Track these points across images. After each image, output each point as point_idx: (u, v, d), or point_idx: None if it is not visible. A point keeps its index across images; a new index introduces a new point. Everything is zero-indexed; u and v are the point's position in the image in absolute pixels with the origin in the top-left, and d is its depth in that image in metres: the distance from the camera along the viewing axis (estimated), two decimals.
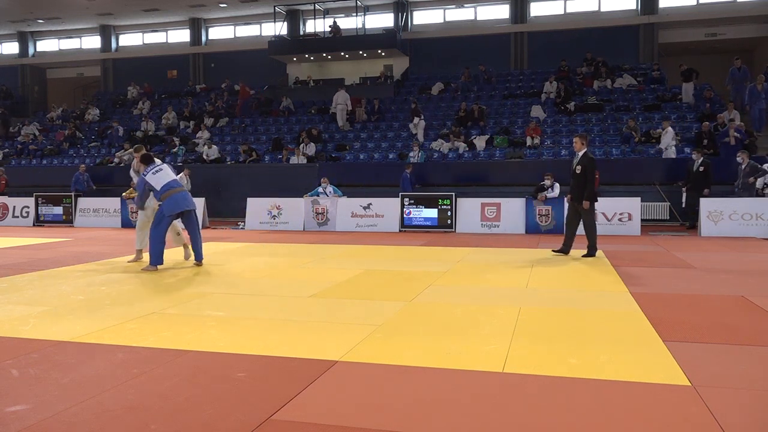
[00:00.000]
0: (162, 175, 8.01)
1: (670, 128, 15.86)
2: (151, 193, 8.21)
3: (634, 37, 22.47)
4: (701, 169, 13.29)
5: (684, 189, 13.66)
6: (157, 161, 8.33)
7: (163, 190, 7.92)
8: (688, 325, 4.77)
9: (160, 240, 7.93)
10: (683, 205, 13.86)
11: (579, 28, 22.74)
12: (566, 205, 9.69)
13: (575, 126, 18.17)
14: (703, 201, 12.45)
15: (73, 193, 16.56)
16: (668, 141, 15.69)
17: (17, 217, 16.71)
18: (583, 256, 8.95)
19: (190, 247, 8.46)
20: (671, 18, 22.15)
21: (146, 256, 8.31)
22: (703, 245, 10.52)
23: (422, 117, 19.19)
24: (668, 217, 14.73)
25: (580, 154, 8.99)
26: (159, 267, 7.92)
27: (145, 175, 8.02)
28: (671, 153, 15.64)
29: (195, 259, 8.31)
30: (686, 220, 13.84)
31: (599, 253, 9.34)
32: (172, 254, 8.93)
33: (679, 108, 18.32)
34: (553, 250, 9.29)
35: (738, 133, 15.11)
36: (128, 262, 8.66)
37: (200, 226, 8.48)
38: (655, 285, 6.59)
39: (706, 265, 8.08)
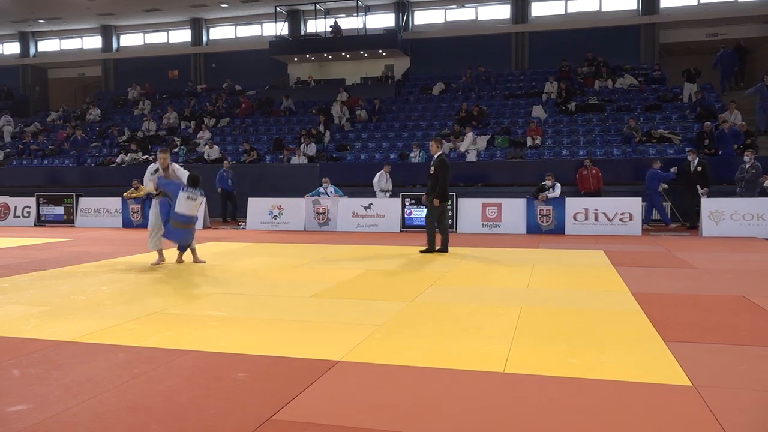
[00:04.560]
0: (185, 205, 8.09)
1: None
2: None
3: (635, 37, 22.44)
4: (699, 169, 13.28)
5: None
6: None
7: (179, 218, 8.10)
8: (689, 325, 4.76)
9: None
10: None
11: (580, 28, 22.71)
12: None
13: (576, 126, 18.17)
14: (704, 201, 12.44)
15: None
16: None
17: (18, 217, 16.72)
18: (434, 250, 9.47)
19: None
20: (672, 18, 22.12)
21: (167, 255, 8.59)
22: (704, 245, 10.51)
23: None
24: (669, 218, 14.70)
25: (435, 156, 9.57)
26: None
27: (183, 191, 8.06)
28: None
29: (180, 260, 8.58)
30: (687, 220, 13.84)
31: (600, 253, 9.34)
32: (172, 255, 8.93)
33: (680, 108, 18.31)
34: (420, 251, 9.58)
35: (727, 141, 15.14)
36: (152, 264, 8.39)
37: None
38: (656, 285, 6.59)
39: (707, 265, 8.08)
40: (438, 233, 9.69)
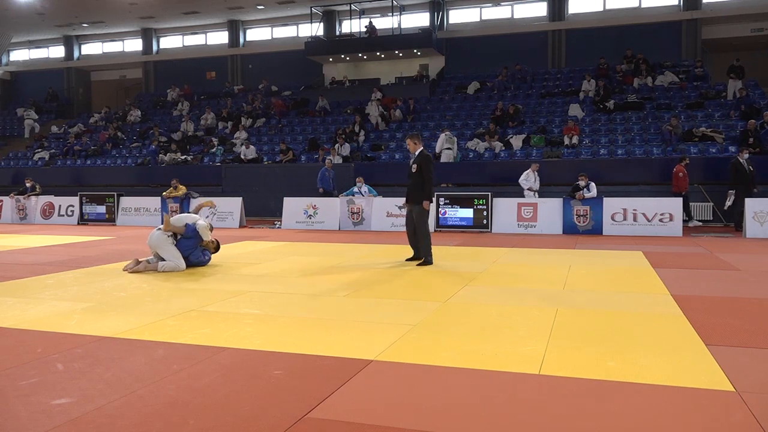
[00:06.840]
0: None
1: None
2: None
3: (676, 33, 21.94)
4: (751, 168, 12.91)
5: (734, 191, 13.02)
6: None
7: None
8: (732, 329, 4.63)
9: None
10: (725, 207, 13.39)
11: (619, 24, 22.31)
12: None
13: (615, 125, 17.84)
14: (748, 201, 12.10)
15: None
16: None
17: (63, 215, 17.21)
18: (419, 264, 8.23)
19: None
20: (715, 13, 21.57)
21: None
22: (747, 247, 10.22)
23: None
24: (711, 218, 14.35)
25: (416, 153, 8.46)
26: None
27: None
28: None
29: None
30: (731, 221, 13.46)
31: (639, 254, 9.16)
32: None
33: (724, 106, 17.82)
34: (407, 259, 8.56)
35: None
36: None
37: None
38: (697, 287, 6.43)
39: (751, 267, 7.84)
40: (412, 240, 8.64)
